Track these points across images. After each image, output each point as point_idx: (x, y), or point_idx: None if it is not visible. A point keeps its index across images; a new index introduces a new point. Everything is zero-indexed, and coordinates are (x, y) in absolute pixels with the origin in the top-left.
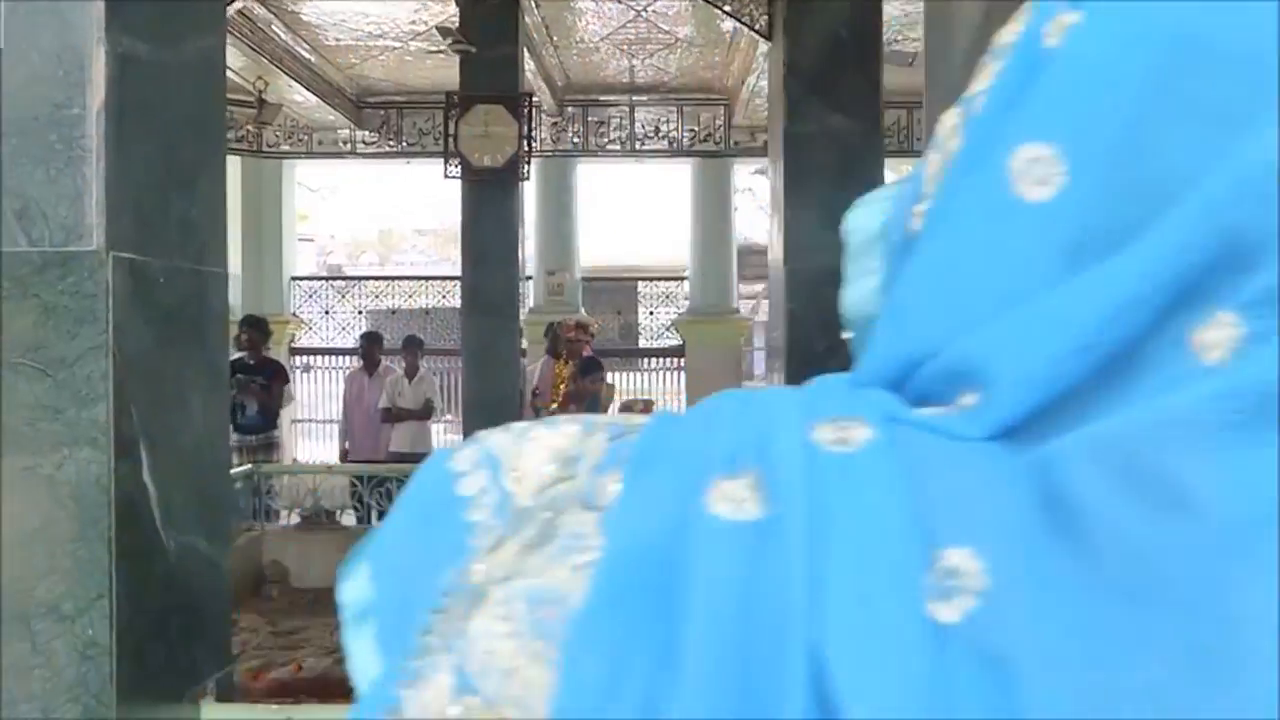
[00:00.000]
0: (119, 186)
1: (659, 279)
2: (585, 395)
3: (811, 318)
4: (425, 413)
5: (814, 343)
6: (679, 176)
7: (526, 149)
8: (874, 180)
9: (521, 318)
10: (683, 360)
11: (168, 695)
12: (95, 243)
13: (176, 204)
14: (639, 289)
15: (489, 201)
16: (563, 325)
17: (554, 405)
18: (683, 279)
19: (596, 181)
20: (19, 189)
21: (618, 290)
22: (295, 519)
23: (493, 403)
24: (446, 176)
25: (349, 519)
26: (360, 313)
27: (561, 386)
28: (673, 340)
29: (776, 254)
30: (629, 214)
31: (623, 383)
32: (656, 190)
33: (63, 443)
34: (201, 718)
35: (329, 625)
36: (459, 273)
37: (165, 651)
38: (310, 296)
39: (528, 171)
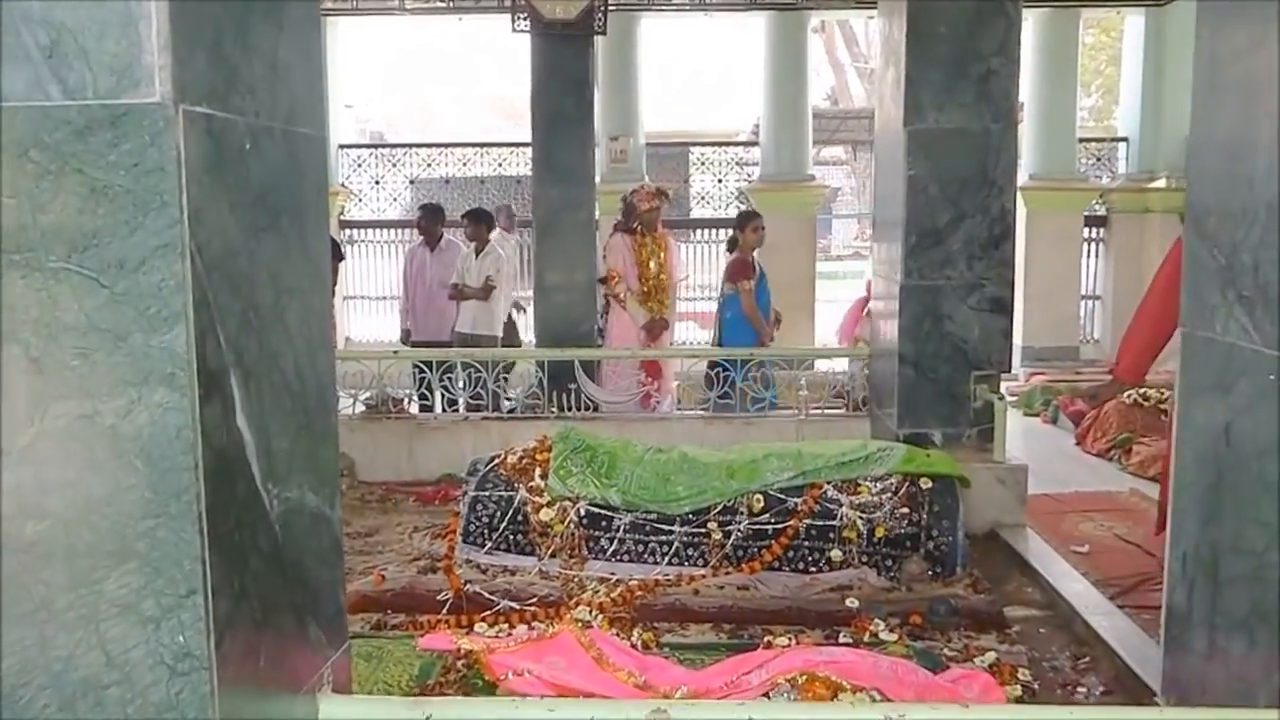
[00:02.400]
0: (190, 10)
1: (719, 144)
2: (751, 247)
3: (934, 187)
4: (484, 292)
5: (937, 215)
6: (734, 33)
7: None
8: (1011, 29)
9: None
10: None
11: (279, 692)
12: (159, 91)
13: (263, 40)
14: (690, 155)
15: (561, 58)
16: (637, 194)
17: (644, 289)
18: (739, 144)
19: (648, 41)
20: (45, 14)
21: (670, 157)
22: (359, 407)
23: (567, 276)
24: (515, 31)
25: (415, 406)
26: (412, 182)
27: (643, 268)
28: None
29: (891, 113)
30: (677, 76)
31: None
32: (705, 50)
33: (128, 381)
34: (320, 716)
35: (404, 526)
36: (509, 139)
37: (275, 644)
38: (358, 166)
39: (604, 24)
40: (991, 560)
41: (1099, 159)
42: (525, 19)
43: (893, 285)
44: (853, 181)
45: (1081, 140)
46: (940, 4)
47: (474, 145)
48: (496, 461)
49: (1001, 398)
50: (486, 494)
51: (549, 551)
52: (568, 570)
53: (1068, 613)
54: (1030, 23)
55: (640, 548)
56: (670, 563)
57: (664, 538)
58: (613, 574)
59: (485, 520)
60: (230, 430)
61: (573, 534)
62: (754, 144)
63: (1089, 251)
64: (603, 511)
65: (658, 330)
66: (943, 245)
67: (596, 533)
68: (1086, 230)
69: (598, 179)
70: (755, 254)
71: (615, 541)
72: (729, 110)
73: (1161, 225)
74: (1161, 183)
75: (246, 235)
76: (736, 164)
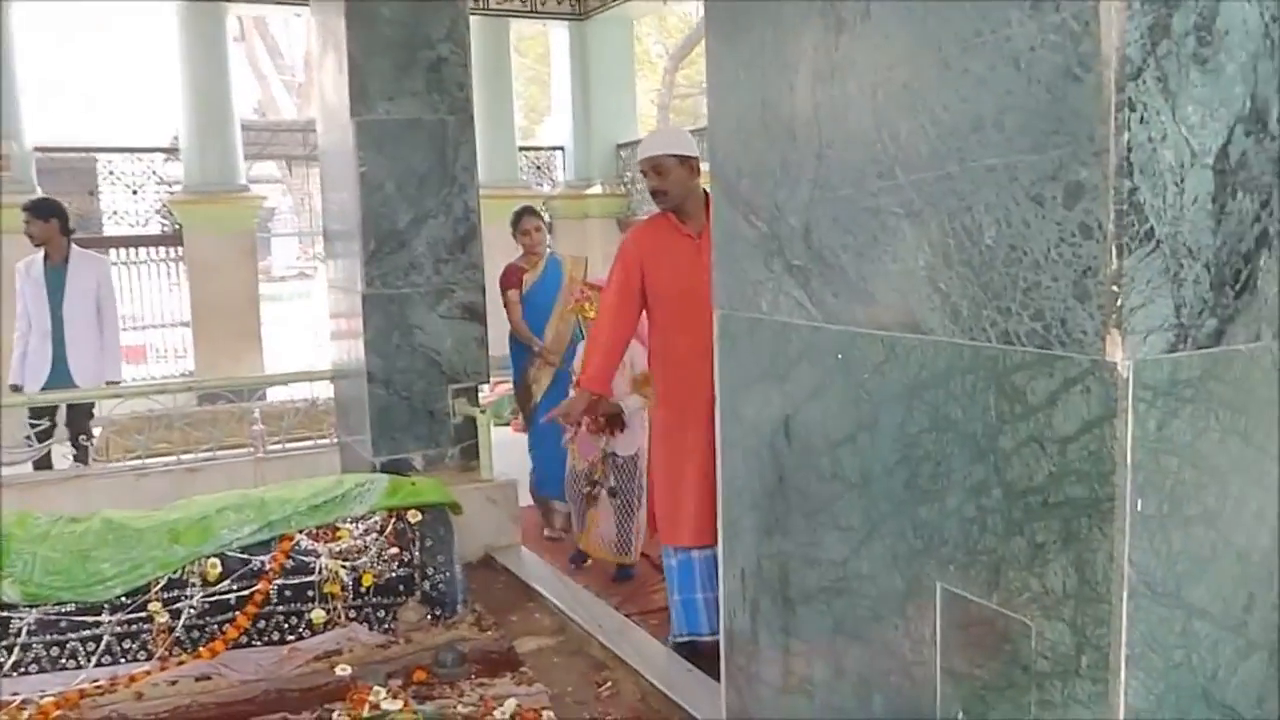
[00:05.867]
0: None
1: (132, 151)
2: None
3: (391, 185)
4: None
5: (397, 216)
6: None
7: None
8: (459, 16)
9: None
10: (177, 249)
11: None
12: None
13: None
14: (98, 166)
15: None
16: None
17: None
18: (155, 150)
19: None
20: None
21: (76, 169)
22: None
23: None
24: None
25: None
26: None
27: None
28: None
29: (335, 104)
30: (84, 86)
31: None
32: (118, 60)
33: None
34: None
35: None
36: None
37: None
38: None
39: None
40: (491, 590)
41: (539, 167)
42: None
43: (353, 297)
44: (290, 199)
45: (521, 149)
46: None
47: None
48: None
49: (483, 411)
50: None
51: None
52: None
53: (580, 636)
54: None
55: (55, 651)
56: (101, 663)
57: (88, 633)
58: (15, 695)
59: None
60: None
61: None
62: (173, 150)
63: None
64: None
65: None
66: (406, 249)
67: None
68: None
69: None
70: None
71: (17, 650)
72: (146, 123)
73: (602, 228)
74: (598, 188)
75: None
76: (155, 177)
